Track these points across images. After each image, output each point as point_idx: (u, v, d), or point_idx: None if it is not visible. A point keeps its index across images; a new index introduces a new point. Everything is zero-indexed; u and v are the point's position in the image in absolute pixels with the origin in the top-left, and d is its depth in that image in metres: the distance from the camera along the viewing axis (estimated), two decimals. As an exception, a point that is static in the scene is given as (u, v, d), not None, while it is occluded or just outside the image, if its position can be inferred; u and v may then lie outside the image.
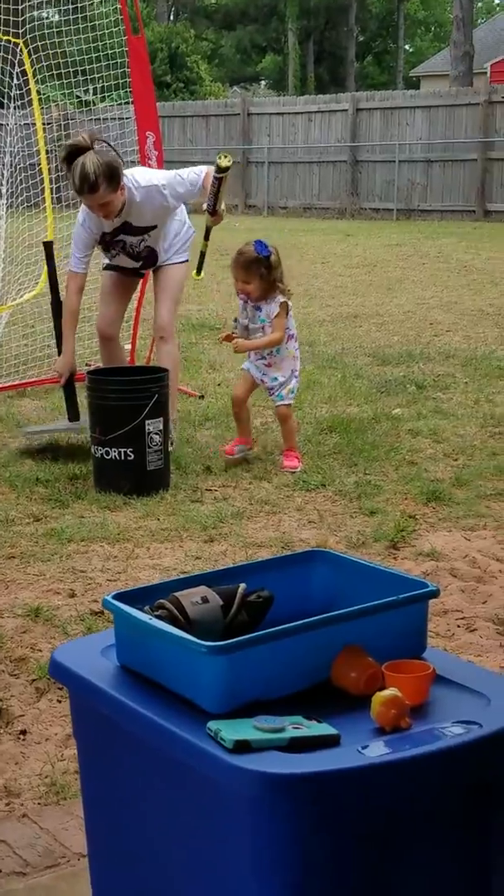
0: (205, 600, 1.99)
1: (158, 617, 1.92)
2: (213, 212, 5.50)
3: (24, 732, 3.03)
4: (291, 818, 1.60)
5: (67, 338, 5.79)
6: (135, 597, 2.01)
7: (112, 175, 5.25)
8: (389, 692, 1.72)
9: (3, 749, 2.94)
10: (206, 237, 5.68)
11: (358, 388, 7.29)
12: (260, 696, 1.78)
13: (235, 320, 5.66)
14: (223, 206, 5.56)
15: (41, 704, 3.17)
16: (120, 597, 1.99)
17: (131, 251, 5.72)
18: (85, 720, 2.01)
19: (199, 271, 5.79)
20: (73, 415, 5.97)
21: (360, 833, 1.65)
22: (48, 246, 6.22)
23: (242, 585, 2.03)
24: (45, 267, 6.28)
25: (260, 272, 5.37)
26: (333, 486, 5.25)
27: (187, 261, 5.89)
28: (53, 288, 6.18)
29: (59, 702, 3.18)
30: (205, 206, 5.51)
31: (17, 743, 2.98)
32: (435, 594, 1.97)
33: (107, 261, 5.92)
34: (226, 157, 5.37)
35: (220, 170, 5.34)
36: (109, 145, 5.44)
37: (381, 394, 7.14)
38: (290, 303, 5.53)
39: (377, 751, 1.65)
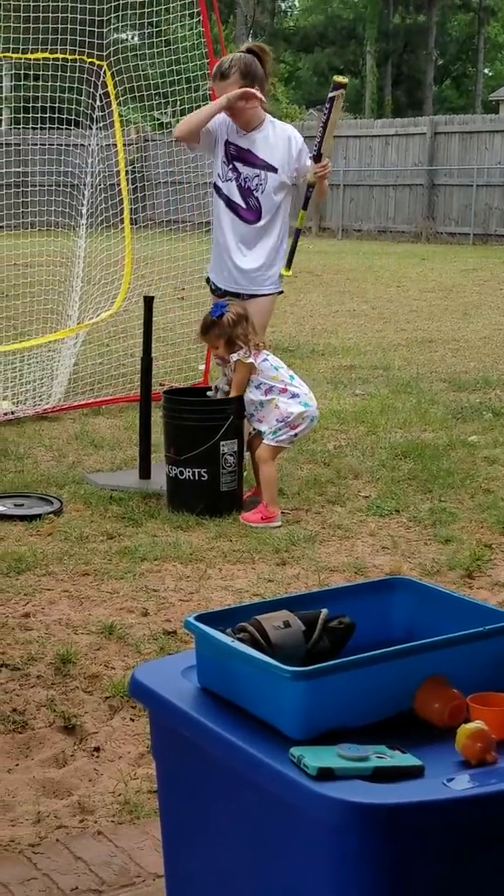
0: (287, 625, 1.98)
1: (240, 640, 1.91)
2: (318, 157, 5.48)
3: (97, 749, 3.04)
4: (374, 848, 1.58)
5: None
6: (216, 618, 2.00)
7: (247, 70, 5.45)
8: (475, 725, 1.70)
9: (77, 766, 2.95)
10: (305, 205, 5.60)
11: (433, 413, 7.25)
12: (342, 723, 1.77)
13: (213, 388, 5.51)
14: (329, 150, 5.52)
15: (114, 722, 3.18)
16: (202, 618, 1.98)
17: (243, 184, 5.62)
18: (165, 741, 2.01)
19: (288, 266, 5.67)
20: (145, 472, 5.71)
21: (442, 865, 1.63)
22: (149, 301, 5.90)
23: (324, 611, 2.02)
24: (144, 318, 5.96)
25: (216, 333, 5.27)
26: (407, 512, 5.22)
27: (277, 294, 5.81)
28: (147, 344, 5.90)
29: (133, 720, 3.19)
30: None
31: (91, 760, 2.99)
32: (521, 626, 1.94)
33: (219, 184, 5.72)
34: (342, 74, 5.37)
35: (335, 86, 5.41)
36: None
37: (456, 420, 7.09)
38: (254, 359, 5.20)
39: (462, 784, 1.62)
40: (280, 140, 5.59)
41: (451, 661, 1.86)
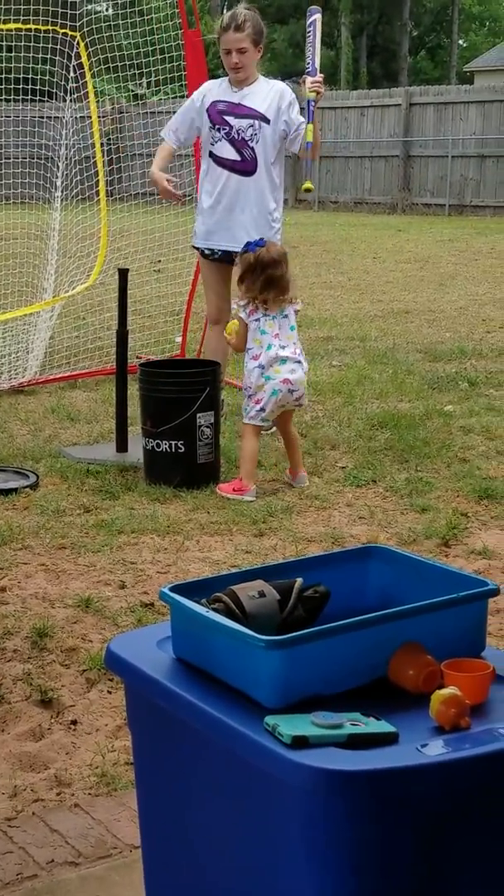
0: (262, 594, 1.97)
1: (215, 610, 1.91)
2: (313, 73, 5.71)
3: (74, 722, 3.04)
4: (349, 815, 1.59)
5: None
6: (191, 589, 2.00)
7: (258, 28, 5.80)
8: (449, 691, 1.70)
9: (55, 739, 2.95)
10: (310, 118, 5.69)
11: (409, 384, 7.25)
12: (317, 691, 1.77)
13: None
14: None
15: (91, 695, 3.18)
16: (177, 589, 1.98)
17: (236, 136, 5.79)
18: (140, 712, 2.01)
19: (307, 178, 5.91)
20: (122, 445, 5.68)
21: (416, 831, 1.63)
22: (123, 274, 5.85)
23: (299, 580, 2.02)
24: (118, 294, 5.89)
25: (238, 262, 5.26)
26: (384, 482, 5.22)
27: None
28: (122, 317, 5.85)
29: (110, 692, 3.18)
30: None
31: (68, 733, 2.99)
32: (495, 592, 1.94)
33: (210, 150, 5.89)
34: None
35: (313, 11, 5.80)
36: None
37: (432, 390, 7.10)
38: (246, 316, 5.08)
39: (436, 750, 1.63)
40: (272, 93, 5.83)
41: (426, 628, 1.86)
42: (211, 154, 5.89)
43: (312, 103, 5.70)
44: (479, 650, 1.94)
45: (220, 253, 5.94)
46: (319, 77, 5.71)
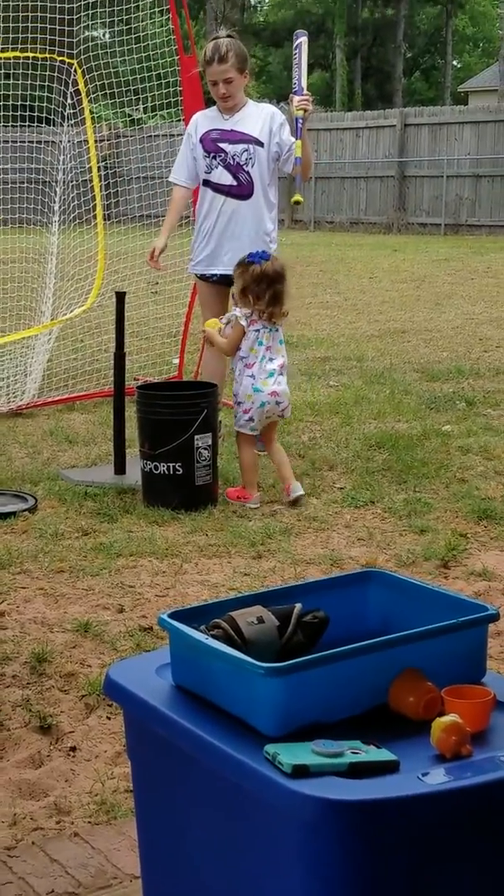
0: (260, 620, 1.97)
1: (214, 636, 1.90)
2: (299, 92, 5.76)
3: (73, 749, 3.03)
4: (350, 844, 1.57)
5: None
6: (190, 615, 1.99)
7: (241, 56, 5.83)
8: (449, 718, 1.69)
9: (54, 766, 2.93)
10: (299, 134, 5.75)
11: (406, 403, 7.25)
12: (317, 719, 1.76)
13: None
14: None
15: (91, 721, 3.16)
16: (175, 615, 1.97)
17: (231, 162, 5.86)
18: (140, 740, 2.00)
19: (299, 191, 5.89)
20: (120, 468, 5.67)
21: (417, 860, 1.62)
22: (120, 297, 5.87)
23: (298, 606, 2.01)
24: (116, 315, 5.92)
25: (240, 273, 5.31)
26: (382, 503, 5.22)
27: None
28: (120, 339, 5.85)
29: (109, 718, 3.17)
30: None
31: (67, 760, 2.98)
32: (495, 617, 1.94)
33: (205, 177, 5.95)
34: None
35: (299, 34, 5.83)
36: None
37: (430, 410, 7.10)
38: (246, 324, 5.20)
39: (438, 778, 1.62)
40: (263, 116, 5.90)
41: (426, 654, 1.85)
42: (207, 182, 5.94)
43: (300, 121, 5.76)
44: (479, 676, 1.93)
45: (218, 276, 5.97)
46: (306, 95, 5.76)
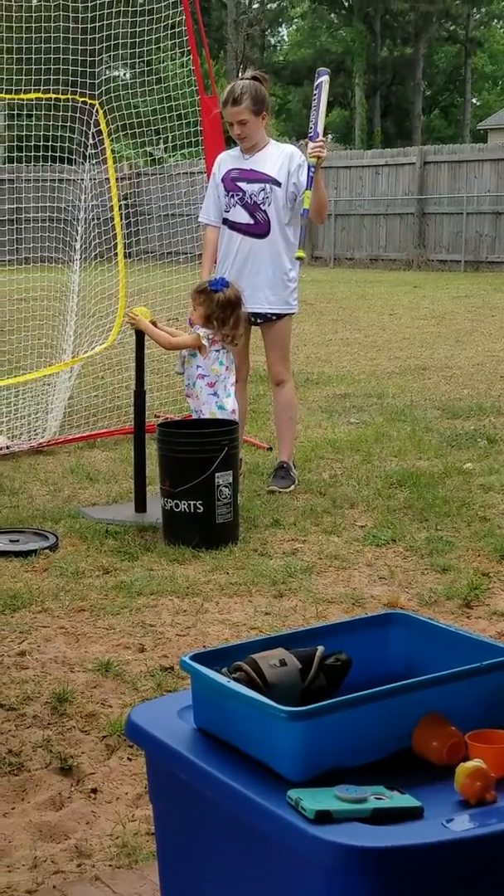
0: (283, 663, 1.96)
1: (236, 679, 1.89)
2: (314, 138, 5.81)
3: (94, 791, 3.01)
4: (373, 891, 1.56)
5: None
6: (212, 658, 1.98)
7: (257, 98, 5.87)
8: (474, 763, 1.68)
9: (74, 808, 2.92)
10: (309, 185, 5.80)
11: (428, 441, 7.24)
12: (340, 763, 1.75)
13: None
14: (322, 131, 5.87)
15: (112, 762, 3.15)
16: (197, 658, 1.97)
17: (249, 201, 5.94)
18: (161, 783, 1.99)
19: (301, 246, 5.95)
20: (141, 505, 5.68)
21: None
22: (140, 334, 5.81)
23: (320, 648, 2.00)
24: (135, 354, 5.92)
25: (202, 300, 5.53)
26: (404, 541, 5.20)
27: (292, 314, 6.17)
28: (140, 376, 5.85)
29: (130, 760, 3.15)
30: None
31: (88, 801, 2.96)
32: (519, 661, 1.92)
33: (224, 215, 6.06)
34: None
35: (321, 73, 5.86)
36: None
37: (451, 447, 7.08)
38: (207, 343, 5.47)
39: (462, 825, 1.60)
40: (282, 156, 5.95)
41: (449, 698, 1.84)
42: (226, 220, 6.03)
43: (312, 169, 5.80)
44: (503, 720, 1.91)
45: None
46: (320, 141, 5.80)
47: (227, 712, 1.86)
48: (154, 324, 5.62)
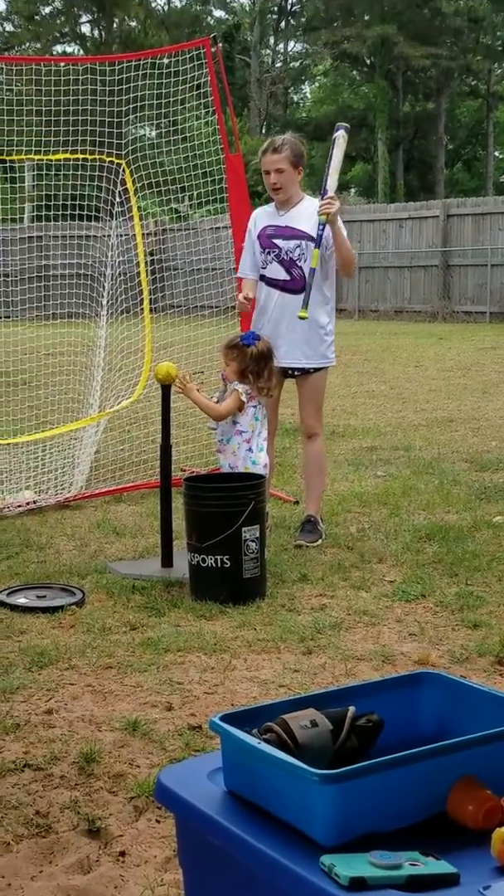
0: (314, 724, 1.93)
1: (266, 741, 1.86)
2: (324, 194, 5.87)
3: (123, 854, 2.96)
4: None
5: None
6: (242, 718, 1.95)
7: (297, 152, 5.97)
8: (511, 828, 1.64)
9: (103, 871, 2.87)
10: (318, 243, 5.85)
11: (456, 494, 7.20)
12: (373, 828, 1.71)
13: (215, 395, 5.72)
14: (335, 187, 5.91)
15: (140, 824, 3.11)
16: (227, 718, 1.94)
17: (285, 258, 6.00)
18: (191, 847, 1.95)
19: (304, 306, 5.90)
20: (167, 560, 5.69)
21: None
22: (166, 389, 5.86)
23: (352, 709, 1.97)
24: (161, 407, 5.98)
25: (234, 356, 5.57)
26: (434, 596, 5.15)
27: (328, 367, 6.22)
28: (166, 430, 5.89)
29: (159, 822, 3.11)
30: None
31: (116, 865, 2.91)
32: None
33: (262, 271, 6.12)
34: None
35: (338, 127, 5.96)
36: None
37: (480, 500, 7.04)
38: (246, 399, 5.51)
39: (500, 892, 1.56)
40: (315, 210, 5.95)
41: (484, 760, 1.81)
42: (263, 276, 6.09)
43: (321, 226, 5.85)
44: (540, 783, 1.87)
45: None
46: (328, 198, 5.83)
47: (258, 774, 1.83)
48: (183, 383, 5.57)
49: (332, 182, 5.89)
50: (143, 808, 3.18)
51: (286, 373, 6.11)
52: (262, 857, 1.71)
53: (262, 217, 6.16)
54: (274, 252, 6.01)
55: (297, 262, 5.97)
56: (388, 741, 1.93)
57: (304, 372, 6.11)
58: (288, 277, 6.02)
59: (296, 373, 6.12)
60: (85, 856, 2.95)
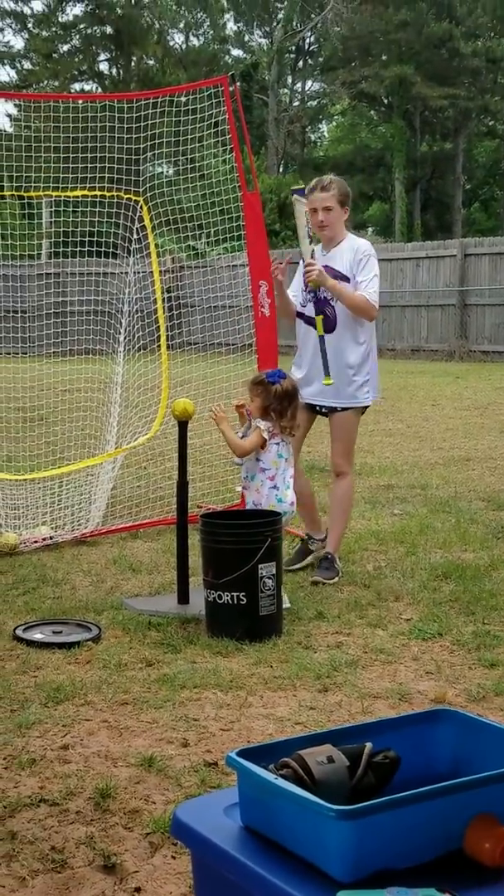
0: (330, 760, 1.93)
1: (283, 776, 1.87)
2: (302, 260, 6.04)
3: (138, 890, 2.95)
4: None
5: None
6: (258, 754, 1.96)
7: (344, 191, 6.09)
8: (528, 866, 1.64)
9: (118, 907, 2.87)
10: (317, 310, 5.99)
11: (473, 533, 7.19)
12: (390, 864, 1.72)
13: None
14: (308, 253, 6.01)
15: (155, 860, 3.10)
16: (244, 754, 1.95)
17: (320, 297, 6.07)
18: (208, 883, 1.95)
19: (326, 374, 6.01)
20: (183, 597, 5.67)
21: None
22: (183, 425, 5.87)
23: (368, 745, 1.98)
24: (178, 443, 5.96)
25: (259, 392, 5.57)
26: (451, 635, 5.14)
27: (363, 408, 6.26)
28: (182, 467, 5.90)
29: (174, 858, 3.10)
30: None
31: (132, 901, 2.91)
32: None
33: (300, 311, 6.24)
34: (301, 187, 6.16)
35: (292, 192, 6.17)
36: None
37: (497, 539, 7.02)
38: (268, 437, 5.48)
39: (517, 930, 1.56)
40: (350, 251, 6.08)
41: (501, 798, 1.81)
42: (300, 314, 6.16)
43: (312, 294, 6.02)
44: None
45: (306, 402, 6.17)
46: (307, 264, 5.97)
47: (275, 810, 1.83)
48: (217, 413, 5.61)
49: (304, 249, 6.01)
50: (159, 844, 3.17)
51: (314, 410, 6.16)
52: (278, 892, 1.71)
53: (314, 253, 6.20)
54: (312, 293, 6.09)
55: (331, 301, 6.05)
56: (404, 778, 1.93)
57: (332, 409, 6.13)
58: (321, 317, 6.10)
59: (323, 409, 6.16)
60: (100, 891, 2.94)
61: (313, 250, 6.03)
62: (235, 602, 5.07)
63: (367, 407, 6.29)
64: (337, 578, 6.03)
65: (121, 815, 3.36)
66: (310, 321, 6.13)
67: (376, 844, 1.71)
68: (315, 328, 6.05)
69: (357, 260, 6.03)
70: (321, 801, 1.73)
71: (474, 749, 2.05)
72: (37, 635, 5.16)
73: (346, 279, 6.01)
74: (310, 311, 6.11)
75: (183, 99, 8.26)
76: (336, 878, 1.69)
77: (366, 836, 1.70)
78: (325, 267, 6.06)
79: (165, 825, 3.16)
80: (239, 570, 5.06)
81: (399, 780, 1.93)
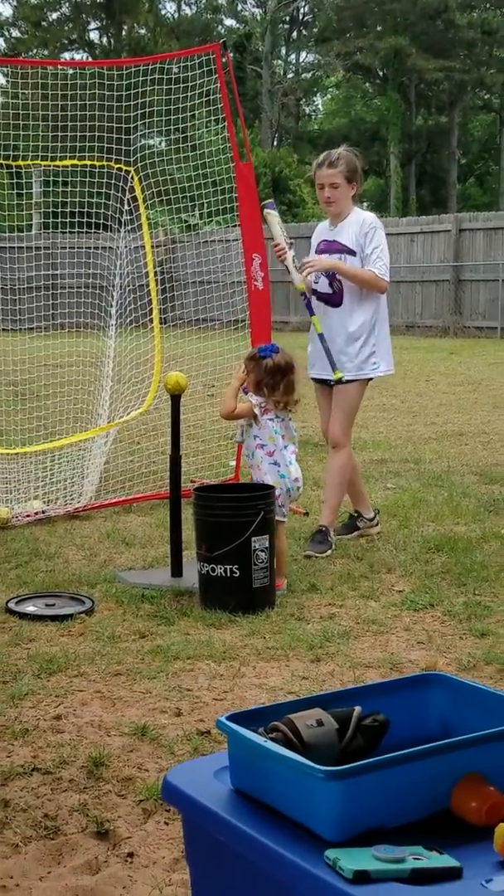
0: (320, 723, 1.95)
1: (273, 739, 1.88)
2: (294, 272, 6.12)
3: (131, 855, 2.98)
4: None
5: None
6: (249, 718, 1.97)
7: (351, 167, 6.04)
8: (514, 824, 1.66)
9: (111, 872, 2.89)
10: (311, 311, 6.09)
11: (465, 506, 7.21)
12: (378, 824, 1.73)
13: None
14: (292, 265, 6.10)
15: (148, 826, 3.12)
16: (234, 718, 1.96)
17: (329, 272, 6.09)
18: (198, 845, 1.97)
19: (333, 369, 6.06)
20: (177, 570, 5.71)
21: None
22: (175, 399, 5.87)
23: (358, 709, 1.99)
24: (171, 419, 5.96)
25: (253, 367, 5.54)
26: (442, 606, 5.16)
27: (366, 381, 6.27)
28: (175, 441, 5.90)
29: (167, 824, 3.13)
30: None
31: (125, 866, 2.93)
32: None
33: (314, 287, 6.25)
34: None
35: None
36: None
37: (489, 513, 7.05)
38: (260, 412, 5.44)
39: (502, 885, 1.58)
40: (356, 224, 6.09)
41: (488, 759, 1.82)
42: (313, 290, 6.21)
43: (305, 297, 6.12)
44: (544, 781, 1.89)
45: (314, 377, 6.27)
46: (306, 261, 6.04)
47: (265, 772, 1.84)
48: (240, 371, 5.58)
49: (287, 261, 6.08)
50: (152, 810, 3.20)
51: (329, 384, 6.18)
52: (267, 853, 1.73)
53: (320, 232, 6.30)
54: (304, 296, 6.14)
55: (337, 276, 6.06)
56: (394, 741, 1.94)
57: (339, 382, 6.13)
58: (330, 291, 6.15)
59: (331, 381, 6.16)
60: (93, 857, 2.96)
61: (294, 256, 6.10)
62: (229, 575, 5.09)
63: (370, 379, 6.27)
64: (330, 552, 6.05)
65: (114, 782, 3.38)
66: (320, 296, 6.14)
67: (365, 804, 1.72)
68: (314, 326, 6.11)
69: (363, 233, 6.04)
70: (310, 763, 1.74)
71: (464, 712, 2.06)
72: (29, 608, 5.17)
73: (352, 253, 6.01)
74: (321, 286, 6.12)
75: (174, 68, 8.19)
76: (325, 838, 1.71)
77: (354, 796, 1.71)
78: (334, 242, 6.07)
79: (158, 792, 3.18)
80: (232, 542, 5.08)
81: (388, 743, 1.95)
